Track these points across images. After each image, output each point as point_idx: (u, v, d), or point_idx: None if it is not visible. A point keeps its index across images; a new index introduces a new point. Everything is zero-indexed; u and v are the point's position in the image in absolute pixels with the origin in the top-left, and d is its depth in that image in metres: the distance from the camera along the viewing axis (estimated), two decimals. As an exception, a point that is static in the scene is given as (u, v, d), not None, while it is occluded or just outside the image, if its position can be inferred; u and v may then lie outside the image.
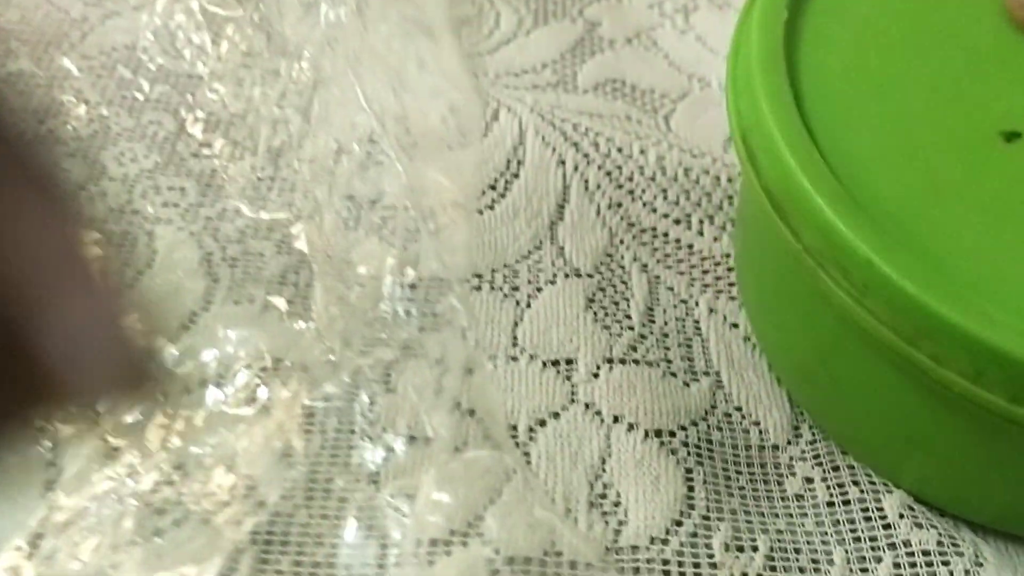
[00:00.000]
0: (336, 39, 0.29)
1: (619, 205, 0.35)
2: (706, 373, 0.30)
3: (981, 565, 0.26)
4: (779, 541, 0.27)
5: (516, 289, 0.32)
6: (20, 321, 0.11)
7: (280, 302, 0.27)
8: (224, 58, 0.34)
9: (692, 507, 0.27)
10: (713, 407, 0.29)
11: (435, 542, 0.25)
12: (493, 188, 0.35)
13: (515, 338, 0.30)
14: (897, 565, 0.26)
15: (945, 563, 0.26)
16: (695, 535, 0.26)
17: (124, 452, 0.25)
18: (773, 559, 0.26)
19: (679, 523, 0.27)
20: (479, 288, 0.31)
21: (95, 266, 0.12)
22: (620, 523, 0.27)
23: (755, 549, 0.26)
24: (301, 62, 0.31)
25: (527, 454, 0.27)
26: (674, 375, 0.30)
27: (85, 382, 0.12)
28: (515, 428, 0.28)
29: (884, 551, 0.26)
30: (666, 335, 0.31)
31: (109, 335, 0.12)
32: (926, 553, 0.26)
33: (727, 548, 0.26)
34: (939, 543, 0.26)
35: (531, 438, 0.28)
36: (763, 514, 0.27)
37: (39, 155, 0.11)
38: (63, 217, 0.11)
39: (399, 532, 0.22)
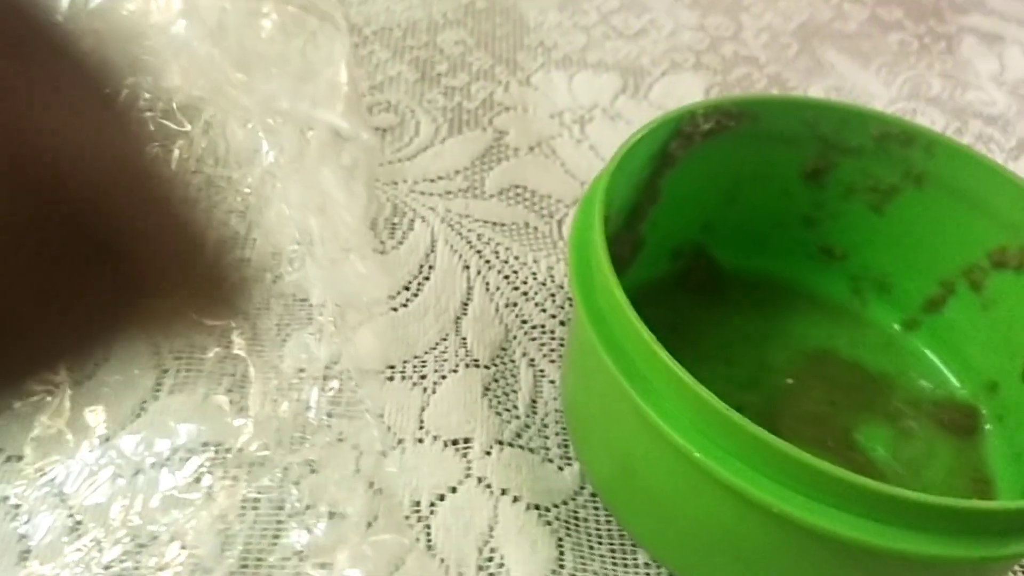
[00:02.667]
0: (274, 173, 0.35)
1: (514, 304, 0.41)
2: (577, 458, 0.36)
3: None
4: (631, 596, 0.33)
5: (424, 377, 0.38)
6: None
7: (222, 399, 0.32)
8: (176, 165, 0.39)
9: (562, 567, 0.33)
10: (582, 488, 0.35)
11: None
12: (407, 289, 0.41)
13: (421, 421, 0.36)
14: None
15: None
16: (562, 590, 0.32)
17: (89, 527, 0.30)
18: (625, 611, 0.33)
19: (550, 581, 0.33)
20: (392, 378, 0.37)
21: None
22: (502, 582, 0.33)
23: (610, 602, 0.33)
24: (244, 187, 0.36)
25: (428, 527, 0.33)
26: (551, 461, 0.36)
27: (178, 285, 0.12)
28: (418, 503, 0.34)
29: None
30: (546, 425, 0.37)
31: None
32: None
33: (587, 602, 0.32)
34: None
35: (432, 511, 0.34)
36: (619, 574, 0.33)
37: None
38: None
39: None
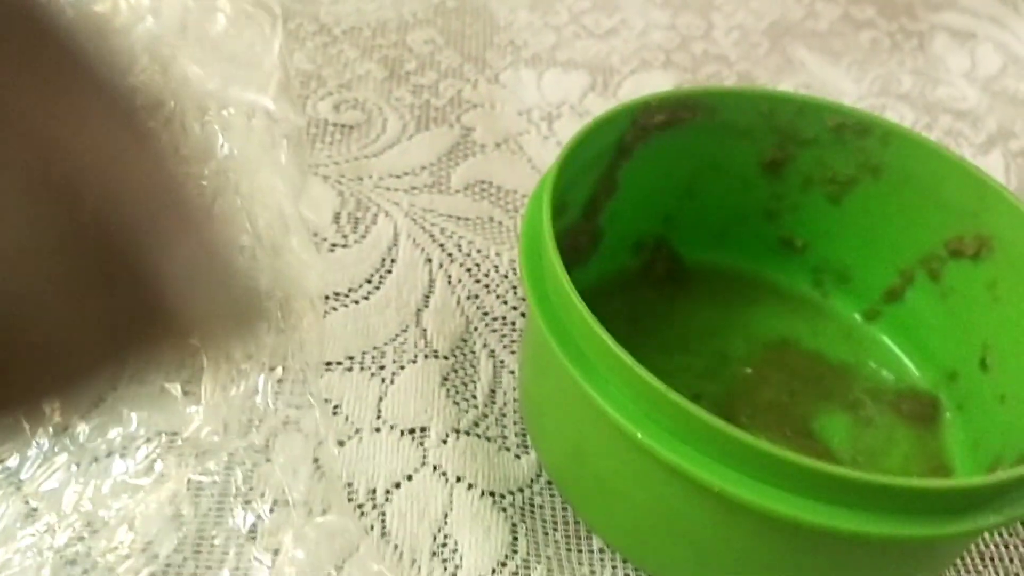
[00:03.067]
0: (229, 167, 0.35)
1: (476, 296, 0.41)
2: (533, 447, 0.37)
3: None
4: (585, 582, 0.33)
5: (382, 368, 0.38)
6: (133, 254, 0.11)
7: (175, 388, 0.33)
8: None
9: (515, 552, 0.33)
10: (538, 475, 0.36)
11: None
12: (369, 282, 0.41)
13: (379, 411, 0.37)
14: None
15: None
16: (516, 573, 0.33)
17: (43, 513, 0.31)
18: (578, 595, 0.33)
19: (504, 564, 0.33)
20: (351, 369, 0.38)
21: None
22: (456, 567, 0.33)
23: (563, 586, 0.33)
24: (202, 180, 0.37)
25: (383, 514, 0.34)
26: (508, 449, 0.36)
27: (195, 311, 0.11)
28: (374, 491, 0.34)
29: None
30: (504, 414, 0.37)
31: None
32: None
33: (539, 586, 0.33)
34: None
35: (387, 499, 0.34)
36: (572, 562, 0.34)
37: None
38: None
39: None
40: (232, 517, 0.30)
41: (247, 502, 0.30)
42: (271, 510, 0.30)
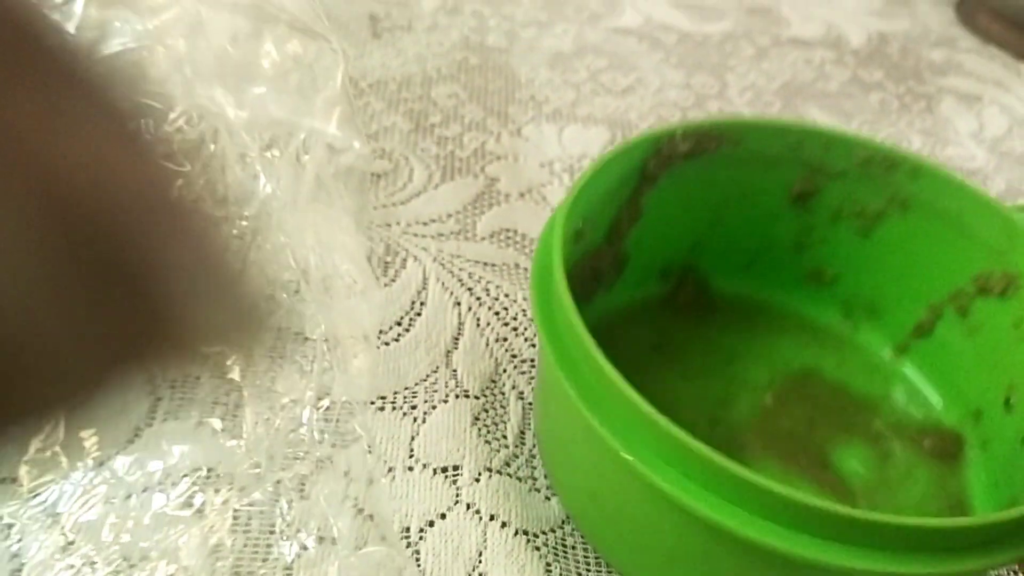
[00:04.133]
0: (271, 207, 0.36)
1: (504, 339, 0.42)
2: (552, 487, 0.37)
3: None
4: (620, 621, 0.33)
5: (414, 407, 0.38)
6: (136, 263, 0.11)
7: (215, 422, 0.33)
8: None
9: (550, 592, 0.33)
10: (568, 518, 0.36)
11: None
12: (399, 324, 0.41)
13: (411, 450, 0.37)
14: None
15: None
16: (550, 613, 0.33)
17: (80, 545, 0.31)
18: (613, 635, 0.33)
19: (538, 603, 0.33)
20: (383, 408, 0.38)
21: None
22: (491, 606, 0.33)
23: (598, 627, 0.33)
24: (241, 220, 0.37)
25: (417, 552, 0.33)
26: (538, 490, 0.36)
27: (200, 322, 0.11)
28: (408, 529, 0.34)
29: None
30: (533, 456, 0.37)
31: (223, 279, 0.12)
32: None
33: (575, 625, 0.32)
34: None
35: (421, 537, 0.34)
36: (607, 599, 0.34)
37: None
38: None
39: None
40: (276, 548, 0.30)
41: (289, 536, 0.30)
42: (317, 540, 0.30)
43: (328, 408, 0.32)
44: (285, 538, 0.30)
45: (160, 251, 0.11)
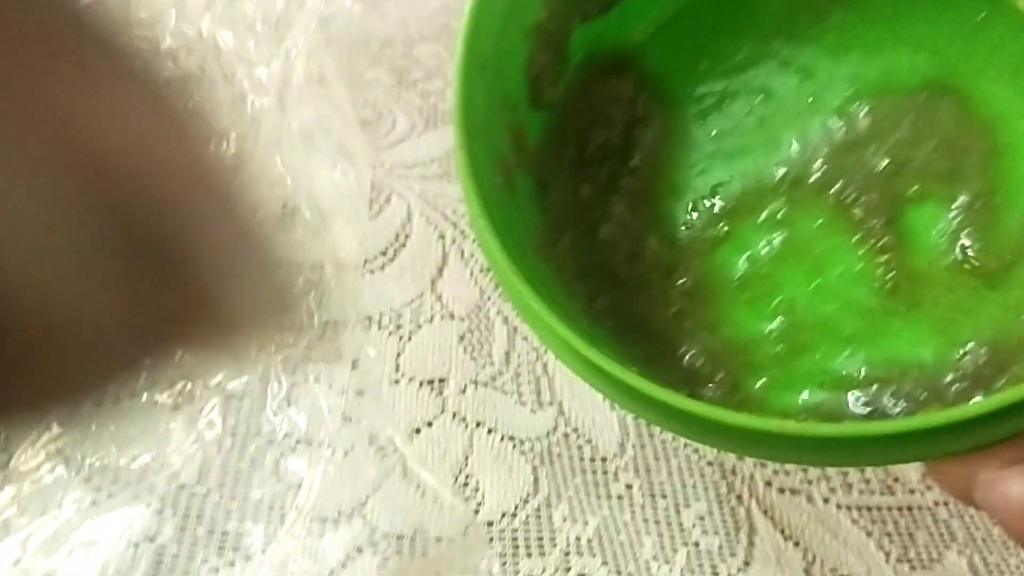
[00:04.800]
0: (259, 122, 0.36)
1: (489, 270, 0.42)
2: (551, 403, 0.37)
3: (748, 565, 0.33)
4: (604, 522, 0.33)
5: (400, 327, 0.39)
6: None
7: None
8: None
9: (537, 491, 0.34)
10: (555, 428, 0.36)
11: (324, 519, 0.31)
12: (384, 254, 0.42)
13: (398, 365, 0.37)
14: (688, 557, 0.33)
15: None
16: (539, 510, 0.33)
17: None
18: (600, 532, 0.33)
19: (526, 501, 0.33)
20: (369, 328, 0.38)
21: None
22: (478, 504, 0.33)
23: (586, 523, 0.33)
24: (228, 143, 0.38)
25: (404, 457, 0.34)
26: (524, 404, 0.37)
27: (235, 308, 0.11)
28: (393, 438, 0.34)
29: (679, 548, 0.33)
30: (519, 374, 0.38)
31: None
32: (709, 552, 0.33)
33: (564, 519, 0.33)
34: (720, 547, 0.33)
35: (410, 441, 0.34)
36: (592, 503, 0.34)
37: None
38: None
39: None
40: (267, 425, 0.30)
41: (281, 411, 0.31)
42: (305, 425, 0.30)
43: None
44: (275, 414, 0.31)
45: (197, 226, 0.11)
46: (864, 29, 0.32)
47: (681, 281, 0.31)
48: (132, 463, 0.31)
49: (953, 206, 0.29)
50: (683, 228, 0.31)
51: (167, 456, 0.31)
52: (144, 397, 0.31)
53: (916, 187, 0.30)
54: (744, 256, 0.31)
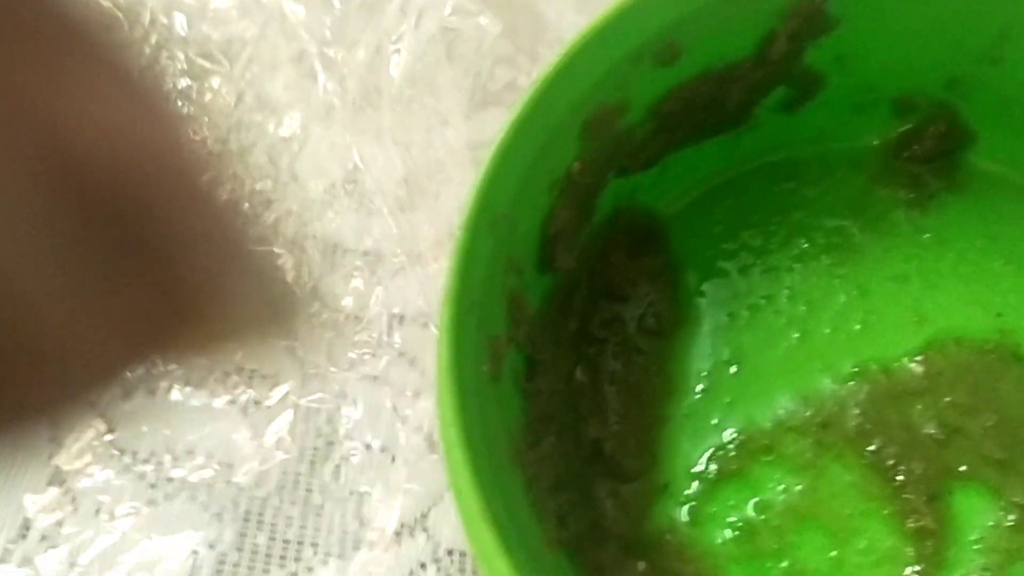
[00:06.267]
0: (333, 105, 0.32)
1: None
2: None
3: None
4: None
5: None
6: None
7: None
8: (208, 106, 0.35)
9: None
10: None
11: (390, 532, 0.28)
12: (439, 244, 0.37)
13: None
14: None
15: None
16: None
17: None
18: None
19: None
20: (426, 325, 0.33)
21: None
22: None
23: None
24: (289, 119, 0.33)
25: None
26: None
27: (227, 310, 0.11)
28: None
29: None
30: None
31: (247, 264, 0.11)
32: None
33: None
34: None
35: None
36: None
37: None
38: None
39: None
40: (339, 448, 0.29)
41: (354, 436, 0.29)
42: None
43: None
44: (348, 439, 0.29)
45: (183, 224, 0.10)
46: (935, 256, 0.28)
47: (669, 516, 0.26)
48: (192, 475, 0.29)
49: (1005, 503, 0.25)
50: (683, 449, 0.26)
51: (233, 467, 0.29)
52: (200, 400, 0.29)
53: (965, 466, 0.26)
54: (753, 500, 0.26)
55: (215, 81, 0.35)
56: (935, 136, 0.28)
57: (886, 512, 0.25)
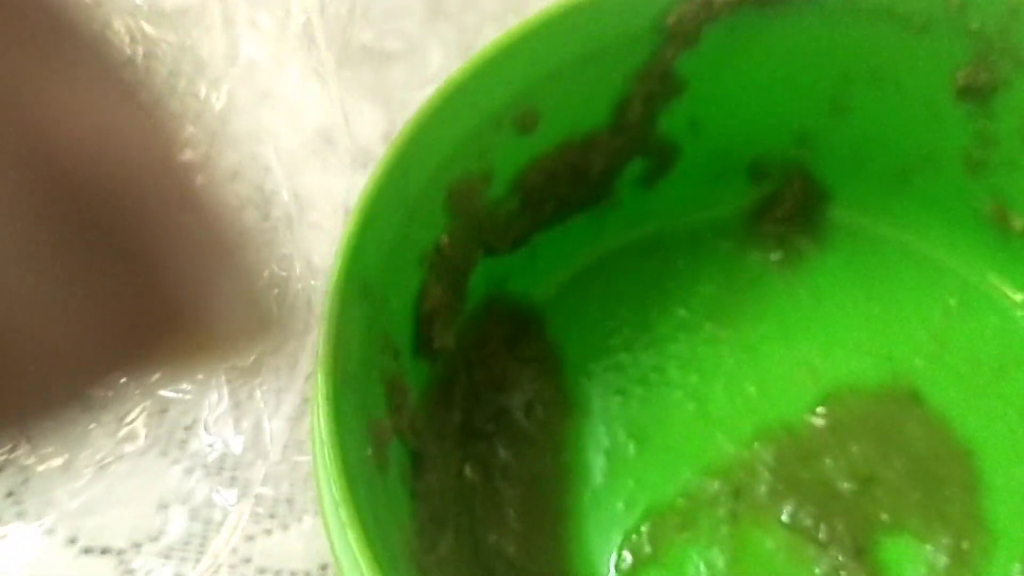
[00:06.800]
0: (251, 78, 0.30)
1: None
2: None
3: None
4: None
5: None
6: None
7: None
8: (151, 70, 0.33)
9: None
10: None
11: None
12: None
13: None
14: None
15: None
16: None
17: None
18: None
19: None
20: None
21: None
22: None
23: None
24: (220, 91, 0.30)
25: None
26: None
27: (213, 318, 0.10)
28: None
29: None
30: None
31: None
32: None
33: None
34: None
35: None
36: None
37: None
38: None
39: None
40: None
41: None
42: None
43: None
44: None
45: (168, 228, 0.10)
46: (814, 311, 0.28)
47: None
48: (41, 465, 0.25)
49: (933, 546, 0.24)
50: (593, 541, 0.24)
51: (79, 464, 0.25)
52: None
53: (887, 515, 0.25)
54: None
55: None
56: (792, 197, 0.29)
57: (817, 573, 0.24)
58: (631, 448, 0.26)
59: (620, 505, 0.25)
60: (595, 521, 0.25)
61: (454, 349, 0.25)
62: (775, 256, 0.29)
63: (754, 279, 0.28)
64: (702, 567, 0.24)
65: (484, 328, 0.26)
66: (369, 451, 0.20)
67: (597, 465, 0.25)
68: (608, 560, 0.24)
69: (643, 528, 0.24)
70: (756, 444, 0.26)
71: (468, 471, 0.25)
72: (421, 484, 0.23)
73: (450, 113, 0.22)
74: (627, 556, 0.24)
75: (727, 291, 0.28)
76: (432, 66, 0.41)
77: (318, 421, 0.18)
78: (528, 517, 0.25)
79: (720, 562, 0.24)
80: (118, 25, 0.27)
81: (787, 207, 0.29)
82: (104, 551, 0.25)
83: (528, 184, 0.25)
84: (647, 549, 0.24)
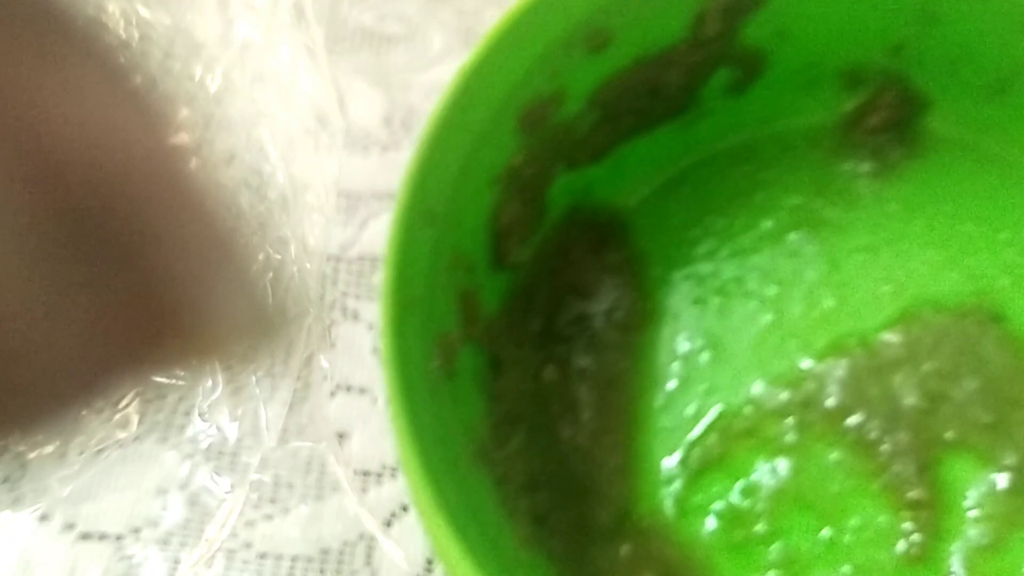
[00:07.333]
0: (246, 59, 0.30)
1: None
2: None
3: None
4: None
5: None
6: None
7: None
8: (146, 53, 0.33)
9: None
10: None
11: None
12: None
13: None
14: None
15: None
16: None
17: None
18: None
19: None
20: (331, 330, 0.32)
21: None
22: None
23: None
24: (214, 73, 0.31)
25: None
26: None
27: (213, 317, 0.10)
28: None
29: None
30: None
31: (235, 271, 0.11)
32: None
33: None
34: None
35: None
36: None
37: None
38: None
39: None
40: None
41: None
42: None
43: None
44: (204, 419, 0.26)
45: (169, 229, 0.10)
46: (903, 224, 0.27)
47: (654, 510, 0.25)
48: (32, 452, 0.25)
49: (996, 467, 0.24)
50: (663, 441, 0.26)
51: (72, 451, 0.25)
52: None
53: (953, 433, 0.25)
54: (738, 487, 0.25)
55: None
56: (888, 106, 0.28)
57: (876, 487, 0.24)
58: (705, 356, 0.26)
59: (691, 409, 0.26)
60: (666, 423, 0.26)
61: (536, 258, 0.26)
62: (866, 167, 0.28)
63: (843, 190, 0.28)
64: (764, 473, 0.25)
65: (568, 237, 0.27)
66: (435, 363, 0.22)
67: (671, 371, 0.26)
68: (675, 459, 0.26)
69: (711, 433, 0.26)
70: (830, 357, 0.26)
71: (547, 373, 0.26)
72: (498, 385, 0.25)
73: (517, 38, 0.23)
74: (694, 457, 0.25)
75: (815, 202, 0.28)
76: (433, 49, 0.40)
77: (384, 343, 0.20)
78: (602, 416, 0.26)
79: (783, 470, 0.25)
80: (113, 8, 0.27)
81: (881, 116, 0.28)
82: (102, 537, 0.25)
83: (604, 100, 0.25)
84: (714, 453, 0.25)
